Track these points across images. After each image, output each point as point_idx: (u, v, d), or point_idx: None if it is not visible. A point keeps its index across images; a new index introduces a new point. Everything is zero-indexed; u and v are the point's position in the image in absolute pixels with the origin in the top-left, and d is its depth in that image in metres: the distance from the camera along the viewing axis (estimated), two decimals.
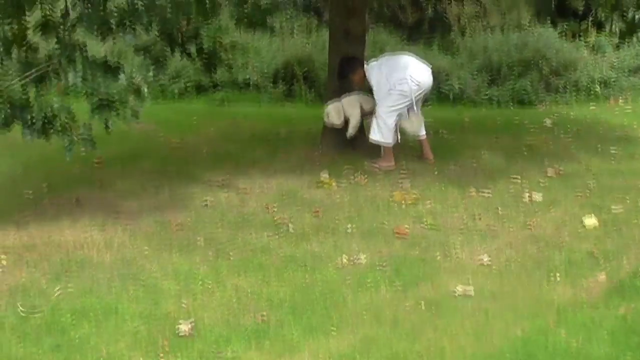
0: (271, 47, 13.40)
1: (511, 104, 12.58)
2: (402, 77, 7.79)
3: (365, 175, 7.40)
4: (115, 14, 5.36)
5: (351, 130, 8.12)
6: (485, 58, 13.44)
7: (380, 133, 7.83)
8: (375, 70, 7.97)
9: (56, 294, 4.80)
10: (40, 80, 5.44)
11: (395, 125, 7.91)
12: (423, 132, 8.25)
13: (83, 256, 5.41)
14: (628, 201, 6.63)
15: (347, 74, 8.04)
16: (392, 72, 7.89)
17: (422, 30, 15.34)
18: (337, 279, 5.02)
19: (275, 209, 6.40)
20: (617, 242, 5.66)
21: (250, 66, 13.23)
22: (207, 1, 5.72)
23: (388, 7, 14.80)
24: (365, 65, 8.10)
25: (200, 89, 13.33)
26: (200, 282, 4.98)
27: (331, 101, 8.14)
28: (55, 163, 7.44)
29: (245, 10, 6.25)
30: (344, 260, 5.31)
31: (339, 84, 8.15)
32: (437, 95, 12.77)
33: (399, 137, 8.03)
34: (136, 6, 5.30)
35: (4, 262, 5.32)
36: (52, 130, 5.27)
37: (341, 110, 8.07)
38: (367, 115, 8.11)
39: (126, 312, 4.56)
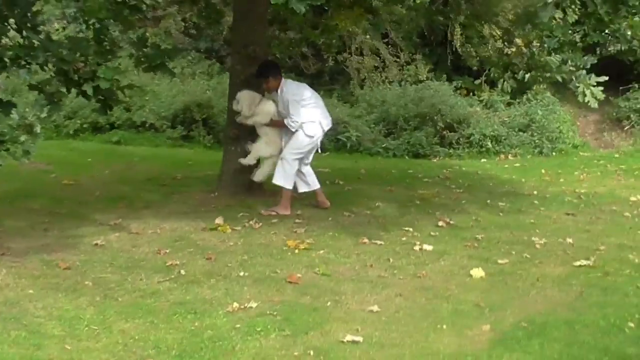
0: (171, 90, 13.37)
1: (406, 155, 12.86)
2: (313, 119, 7.93)
3: (260, 221, 7.40)
4: (10, 49, 5.25)
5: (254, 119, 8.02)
6: (383, 110, 13.75)
7: (284, 177, 7.83)
8: (293, 89, 8.01)
9: None
10: None
11: (297, 170, 7.96)
12: (317, 184, 8.30)
13: None
14: (514, 254, 6.81)
15: (267, 75, 7.94)
16: (307, 105, 7.93)
17: (323, 80, 15.56)
18: (227, 325, 4.96)
19: (168, 253, 6.33)
20: (502, 293, 5.78)
21: (148, 108, 13.15)
22: (106, 41, 5.68)
23: (290, 57, 14.94)
24: (282, 78, 8.07)
25: (96, 129, 13.16)
26: (85, 326, 4.84)
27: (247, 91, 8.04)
28: None
29: (145, 52, 6.21)
30: (235, 306, 5.25)
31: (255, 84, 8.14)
32: (335, 144, 12.95)
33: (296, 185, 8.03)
34: (32, 43, 5.22)
35: None
36: None
37: (256, 101, 7.96)
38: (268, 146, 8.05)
39: (6, 357, 4.40)
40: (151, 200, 8.13)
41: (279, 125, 7.92)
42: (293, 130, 7.82)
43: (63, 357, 4.41)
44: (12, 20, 5.28)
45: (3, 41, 5.32)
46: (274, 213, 7.75)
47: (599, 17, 7.16)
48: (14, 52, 5.24)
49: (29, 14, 5.31)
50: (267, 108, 7.97)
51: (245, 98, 7.88)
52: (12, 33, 5.44)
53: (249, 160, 8.01)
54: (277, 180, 7.87)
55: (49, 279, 5.63)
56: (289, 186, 7.88)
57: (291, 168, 7.86)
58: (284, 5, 5.84)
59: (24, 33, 5.30)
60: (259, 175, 8.10)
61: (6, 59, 5.23)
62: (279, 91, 7.92)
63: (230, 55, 8.64)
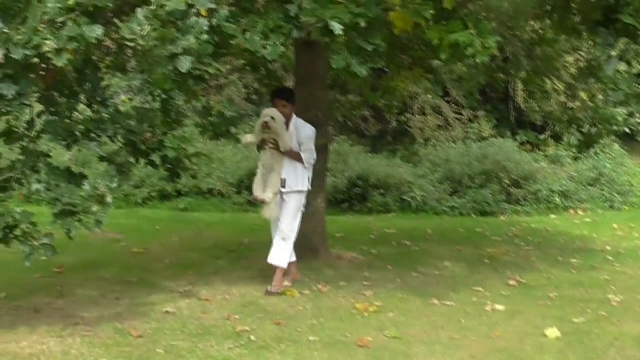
0: (235, 155, 13.56)
1: (473, 213, 12.76)
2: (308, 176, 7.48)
3: (328, 284, 7.39)
4: (81, 124, 5.42)
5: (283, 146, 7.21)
6: (447, 169, 13.72)
7: (284, 256, 7.29)
8: (306, 131, 7.42)
9: None
10: (3, 187, 5.45)
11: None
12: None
13: None
14: (589, 312, 6.67)
15: (293, 101, 7.45)
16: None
17: (385, 141, 15.63)
18: None
19: (237, 319, 6.34)
20: (579, 354, 5.66)
21: (214, 175, 13.36)
22: (172, 111, 5.82)
23: (351, 120, 15.07)
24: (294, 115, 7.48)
25: (164, 196, 13.38)
26: None
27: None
28: (15, 270, 7.37)
29: (211, 120, 6.35)
30: None
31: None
32: (400, 204, 12.94)
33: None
34: (101, 116, 5.38)
35: None
36: (12, 238, 5.24)
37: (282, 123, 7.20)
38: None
39: None
40: (219, 266, 8.20)
41: (295, 157, 7.24)
42: (307, 167, 7.31)
43: None
44: (82, 95, 5.46)
45: (74, 116, 5.50)
46: (278, 291, 7.14)
47: None
48: (84, 126, 5.41)
49: (97, 89, 5.50)
50: (289, 133, 7.35)
51: (278, 116, 7.19)
52: (81, 107, 5.62)
53: (266, 196, 7.19)
54: (276, 260, 7.27)
55: (121, 347, 5.69)
56: (285, 264, 7.33)
57: (290, 241, 7.37)
58: (345, 69, 5.92)
59: (94, 107, 5.48)
60: (270, 213, 7.35)
61: (77, 133, 5.40)
62: (292, 122, 7.37)
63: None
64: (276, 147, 7.11)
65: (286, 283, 7.31)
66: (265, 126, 7.07)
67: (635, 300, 7.03)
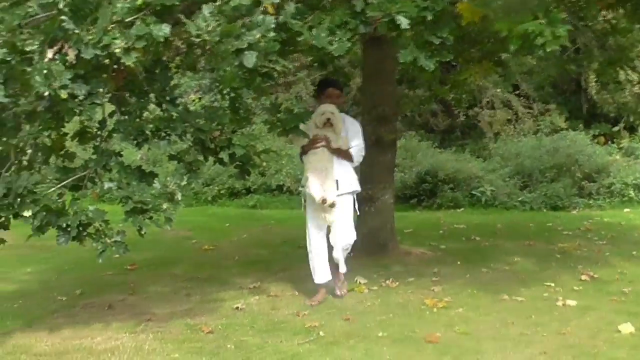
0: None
1: (544, 208, 12.58)
2: None
3: (397, 280, 7.37)
4: (151, 123, 5.50)
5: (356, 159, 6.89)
6: (518, 163, 13.56)
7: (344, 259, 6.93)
8: (356, 126, 7.04)
9: None
10: (77, 186, 5.57)
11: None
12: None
13: None
14: None
15: (342, 88, 7.17)
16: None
17: (454, 136, 15.52)
18: None
19: (306, 315, 6.37)
20: None
21: (284, 171, 13.43)
22: (241, 109, 5.86)
23: (420, 115, 15.00)
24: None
25: (233, 194, 13.52)
26: None
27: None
28: (89, 268, 7.55)
29: (279, 117, 6.37)
30: None
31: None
32: (470, 199, 12.84)
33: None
34: (171, 115, 5.45)
35: None
36: (86, 235, 5.35)
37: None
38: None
39: None
40: (288, 263, 8.25)
41: (346, 155, 6.80)
42: (356, 164, 6.92)
43: None
44: (152, 95, 5.53)
45: (144, 115, 5.58)
46: (316, 303, 6.74)
47: None
48: (154, 125, 5.48)
49: (167, 88, 5.57)
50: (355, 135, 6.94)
51: (337, 111, 6.75)
52: (151, 106, 5.70)
53: (334, 198, 6.60)
54: (345, 267, 6.90)
55: (192, 343, 5.77)
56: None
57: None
58: (413, 64, 5.87)
59: (163, 106, 5.55)
60: (333, 217, 6.70)
61: (147, 132, 5.48)
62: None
63: (360, 116, 8.71)
64: (328, 145, 6.63)
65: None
66: (329, 123, 6.65)
67: None
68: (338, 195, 6.59)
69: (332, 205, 6.53)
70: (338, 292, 6.85)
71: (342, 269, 6.83)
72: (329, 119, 6.62)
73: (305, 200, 6.93)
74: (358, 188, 6.90)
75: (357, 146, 6.85)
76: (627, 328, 5.94)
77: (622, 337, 5.82)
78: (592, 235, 9.91)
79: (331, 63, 9.64)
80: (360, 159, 6.92)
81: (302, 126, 6.18)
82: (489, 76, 12.68)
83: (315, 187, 6.56)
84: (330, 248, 6.78)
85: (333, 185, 6.60)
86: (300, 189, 7.21)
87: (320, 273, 6.82)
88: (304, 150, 6.71)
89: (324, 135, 6.62)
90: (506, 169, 13.74)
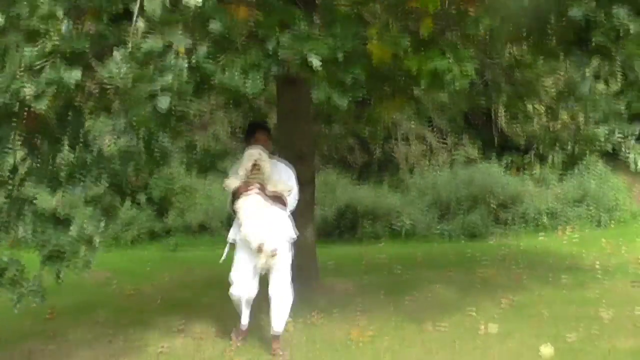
0: (224, 191, 13.52)
1: (462, 237, 12.74)
2: None
3: (321, 314, 7.34)
4: (64, 168, 5.40)
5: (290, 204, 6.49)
6: (435, 194, 13.74)
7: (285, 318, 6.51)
8: (288, 170, 6.65)
9: None
10: None
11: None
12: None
13: None
14: (582, 329, 6.66)
15: (270, 131, 6.84)
16: None
17: (372, 170, 15.64)
18: None
19: (232, 354, 6.30)
20: None
21: (201, 211, 13.30)
22: (156, 151, 5.80)
23: (337, 151, 15.09)
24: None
25: (153, 236, 13.32)
26: None
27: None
28: (5, 317, 7.29)
29: (195, 156, 6.35)
30: None
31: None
32: (390, 232, 12.94)
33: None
34: (85, 160, 5.36)
35: None
36: (0, 285, 5.20)
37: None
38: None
39: None
40: (212, 303, 8.14)
41: (281, 200, 6.40)
42: (289, 210, 6.46)
43: None
44: (64, 139, 5.44)
45: (57, 160, 5.47)
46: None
47: None
48: (68, 170, 5.39)
49: (80, 132, 5.49)
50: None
51: (265, 155, 6.39)
52: (65, 151, 5.60)
53: (278, 245, 6.21)
54: (282, 327, 6.44)
55: None
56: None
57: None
58: (327, 102, 5.91)
59: (77, 151, 5.46)
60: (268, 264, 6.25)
61: (61, 177, 5.38)
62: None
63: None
64: (263, 189, 6.23)
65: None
66: (256, 167, 6.25)
67: (626, 317, 7.01)
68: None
69: (274, 254, 6.09)
70: (272, 353, 6.28)
71: (277, 327, 6.32)
72: (255, 162, 6.25)
73: (230, 249, 6.55)
74: (293, 235, 6.45)
75: (291, 191, 6.43)
76: (547, 350, 6.05)
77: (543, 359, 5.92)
78: (510, 262, 10.08)
79: (247, 102, 9.66)
80: (294, 205, 6.49)
81: (231, 172, 6.28)
82: (403, 111, 12.87)
83: (251, 231, 6.12)
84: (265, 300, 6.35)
85: (271, 232, 6.16)
86: (228, 239, 6.59)
87: (245, 318, 6.58)
88: (236, 196, 6.29)
89: (256, 180, 6.22)
90: (424, 201, 13.91)
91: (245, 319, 6.57)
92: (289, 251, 6.37)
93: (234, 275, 6.46)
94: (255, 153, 6.28)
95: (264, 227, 6.15)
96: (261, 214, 6.19)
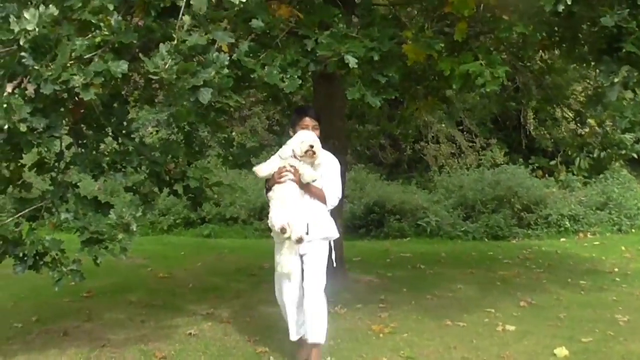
0: (257, 184, 13.62)
1: (485, 238, 12.72)
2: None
3: (345, 307, 7.38)
4: (107, 156, 5.49)
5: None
6: (461, 195, 13.71)
7: (324, 326, 5.63)
8: (333, 164, 5.75)
9: None
10: (34, 216, 5.51)
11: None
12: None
13: None
14: (597, 332, 6.62)
15: (319, 120, 5.87)
16: None
17: (401, 169, 15.64)
18: None
19: (257, 340, 6.34)
20: None
21: (237, 204, 13.41)
22: (195, 143, 5.86)
23: (368, 148, 15.10)
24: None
25: (188, 223, 13.45)
26: None
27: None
28: (46, 295, 7.43)
29: (232, 152, 6.39)
30: None
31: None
32: (415, 229, 12.93)
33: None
34: (127, 148, 5.44)
35: None
36: (42, 264, 5.29)
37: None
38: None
39: None
40: (241, 290, 8.21)
41: (319, 194, 5.49)
42: (329, 206, 5.56)
43: None
44: (108, 128, 5.52)
45: (101, 148, 5.56)
46: None
47: None
48: (110, 158, 5.47)
49: (124, 122, 5.56)
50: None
51: (318, 141, 5.56)
52: (108, 139, 5.69)
53: (302, 232, 5.32)
54: (320, 337, 5.55)
55: None
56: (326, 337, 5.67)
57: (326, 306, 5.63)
58: (360, 100, 5.94)
59: (120, 139, 5.54)
60: (291, 266, 5.43)
61: (104, 164, 5.46)
62: None
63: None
64: (297, 178, 5.36)
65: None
66: (311, 152, 5.42)
67: None
68: (307, 241, 5.33)
69: (299, 241, 5.26)
70: None
71: (310, 337, 5.50)
72: (312, 147, 5.42)
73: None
74: (335, 234, 5.60)
75: (332, 187, 5.54)
76: (562, 352, 6.02)
77: (558, 359, 5.91)
78: (531, 263, 10.04)
79: (285, 98, 9.71)
80: (336, 203, 5.58)
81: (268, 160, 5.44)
82: (434, 112, 12.85)
83: (276, 214, 5.31)
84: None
85: (301, 221, 5.32)
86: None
87: (291, 329, 5.65)
88: (269, 186, 5.46)
89: (292, 166, 5.38)
90: (450, 200, 13.89)
91: (291, 333, 5.64)
92: (326, 251, 5.53)
93: (275, 276, 5.62)
94: (311, 136, 5.49)
95: (293, 215, 5.29)
96: (293, 203, 5.33)
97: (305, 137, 5.48)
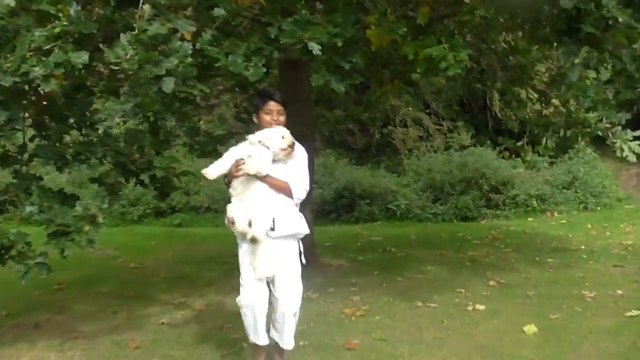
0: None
1: (455, 219, 12.77)
2: None
3: (317, 292, 7.38)
4: (71, 147, 5.42)
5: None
6: (430, 177, 13.75)
7: (293, 333, 5.13)
8: (301, 153, 5.08)
9: None
10: None
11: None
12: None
13: None
14: (565, 308, 6.68)
15: (283, 101, 5.21)
16: None
17: (370, 153, 15.65)
18: None
19: (230, 327, 6.32)
20: (555, 348, 5.65)
21: (202, 192, 13.35)
22: (161, 133, 5.81)
23: (337, 133, 15.08)
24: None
25: (159, 214, 13.37)
26: None
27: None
28: (15, 289, 7.34)
29: (197, 140, 6.35)
30: None
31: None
32: (385, 213, 12.95)
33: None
34: (91, 139, 5.38)
35: None
36: (8, 258, 5.24)
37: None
38: None
39: None
40: (213, 278, 8.18)
41: (283, 187, 4.79)
42: (296, 200, 4.88)
43: None
44: (72, 120, 5.45)
45: (64, 139, 5.49)
46: None
47: (628, 75, 7.11)
48: (74, 149, 5.40)
49: (87, 113, 5.50)
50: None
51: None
52: (73, 131, 5.62)
53: (259, 232, 4.72)
54: (291, 344, 5.09)
55: (119, 359, 5.67)
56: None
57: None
58: (325, 86, 5.92)
59: (83, 130, 5.48)
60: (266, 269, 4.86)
61: (68, 156, 5.40)
62: None
63: None
64: (251, 172, 4.69)
65: None
66: (290, 150, 4.88)
67: (608, 296, 7.04)
68: (274, 238, 4.74)
69: (253, 241, 4.73)
70: None
71: (286, 344, 5.03)
72: (293, 144, 4.89)
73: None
74: (304, 230, 4.95)
75: (300, 179, 4.87)
76: (531, 329, 6.07)
77: (526, 337, 5.94)
78: (499, 243, 10.11)
79: (251, 86, 9.65)
80: (303, 196, 4.89)
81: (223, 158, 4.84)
82: (401, 95, 12.85)
83: (234, 208, 4.80)
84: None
85: (266, 216, 4.74)
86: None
87: (256, 333, 5.02)
88: (228, 181, 4.87)
89: (247, 156, 4.73)
90: (419, 183, 13.93)
91: (253, 336, 5.04)
92: (297, 252, 4.94)
93: (241, 279, 5.00)
94: (287, 132, 4.93)
95: (255, 212, 4.72)
96: (257, 198, 4.76)
97: (286, 133, 4.89)
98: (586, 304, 6.83)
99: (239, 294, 4.99)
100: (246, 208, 4.73)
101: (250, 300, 4.89)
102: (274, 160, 4.78)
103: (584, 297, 7.03)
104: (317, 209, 11.07)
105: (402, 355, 5.56)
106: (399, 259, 9.16)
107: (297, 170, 4.85)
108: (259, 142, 4.80)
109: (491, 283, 7.65)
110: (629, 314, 6.42)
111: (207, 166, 4.83)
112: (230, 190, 4.85)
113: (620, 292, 7.16)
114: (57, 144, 5.44)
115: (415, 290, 7.48)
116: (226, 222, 4.86)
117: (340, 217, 13.31)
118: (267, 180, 4.72)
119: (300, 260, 4.93)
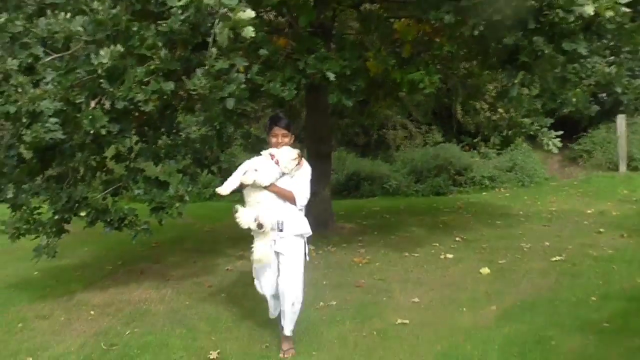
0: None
1: (430, 194, 12.71)
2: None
3: (335, 247, 7.41)
4: (163, 148, 5.50)
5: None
6: (413, 165, 13.67)
7: (295, 321, 4.36)
8: (305, 167, 4.34)
9: (127, 335, 4.75)
10: (116, 193, 5.53)
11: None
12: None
13: (145, 308, 5.37)
14: (509, 256, 6.68)
15: (287, 126, 4.31)
16: None
17: (370, 149, 15.58)
18: (317, 318, 4.99)
19: None
20: (503, 283, 5.68)
21: None
22: (224, 137, 5.87)
23: (347, 135, 15.07)
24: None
25: None
26: (224, 323, 4.94)
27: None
28: (127, 246, 7.45)
29: (250, 142, 6.43)
30: (321, 305, 5.28)
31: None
32: (382, 190, 12.93)
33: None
34: (177, 142, 5.46)
35: (92, 314, 5.28)
36: (123, 226, 5.32)
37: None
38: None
39: (174, 346, 4.51)
40: None
41: (286, 195, 4.18)
42: (299, 206, 4.23)
43: (210, 345, 4.50)
44: (163, 129, 5.53)
45: (158, 143, 5.57)
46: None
47: (552, 91, 7.09)
48: (165, 150, 5.48)
49: (173, 124, 5.57)
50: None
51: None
52: (163, 137, 5.70)
53: (267, 221, 4.15)
54: (292, 330, 4.32)
55: (198, 294, 5.76)
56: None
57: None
58: (338, 102, 5.96)
59: (171, 137, 5.55)
60: (262, 255, 4.27)
61: (161, 155, 5.48)
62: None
63: (305, 138, 8.76)
64: (248, 182, 4.16)
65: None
66: (299, 159, 4.20)
67: (539, 247, 7.03)
68: (281, 238, 4.17)
69: (260, 226, 4.10)
70: (281, 354, 4.26)
71: (287, 330, 4.29)
72: (301, 155, 4.25)
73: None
74: (308, 231, 4.28)
75: (302, 189, 4.22)
76: (485, 271, 6.10)
77: (482, 276, 5.97)
78: (462, 211, 10.07)
79: (286, 103, 9.66)
80: (304, 203, 4.23)
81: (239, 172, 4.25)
82: (391, 108, 12.81)
83: (245, 213, 4.22)
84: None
85: (272, 216, 4.14)
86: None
87: (271, 309, 4.49)
88: (241, 188, 4.29)
89: (253, 169, 4.15)
90: (405, 169, 13.85)
91: (272, 309, 4.49)
92: (301, 250, 4.25)
93: (254, 271, 4.44)
94: (296, 151, 4.22)
95: (265, 211, 4.14)
96: (266, 203, 4.17)
97: (296, 153, 4.18)
98: (523, 252, 6.83)
99: None
100: (254, 211, 4.14)
101: (262, 290, 4.41)
102: (282, 174, 4.14)
103: (522, 248, 7.02)
104: (333, 188, 11.07)
105: (395, 290, 5.61)
106: (392, 223, 9.17)
107: (300, 182, 4.19)
108: (270, 154, 4.17)
109: (457, 239, 7.65)
110: (553, 259, 6.42)
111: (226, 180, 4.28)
112: (245, 198, 4.27)
113: (547, 243, 7.15)
114: (154, 146, 5.51)
115: (404, 244, 7.50)
116: (251, 227, 4.16)
117: (350, 194, 13.29)
118: (273, 189, 4.12)
119: (305, 257, 4.26)
